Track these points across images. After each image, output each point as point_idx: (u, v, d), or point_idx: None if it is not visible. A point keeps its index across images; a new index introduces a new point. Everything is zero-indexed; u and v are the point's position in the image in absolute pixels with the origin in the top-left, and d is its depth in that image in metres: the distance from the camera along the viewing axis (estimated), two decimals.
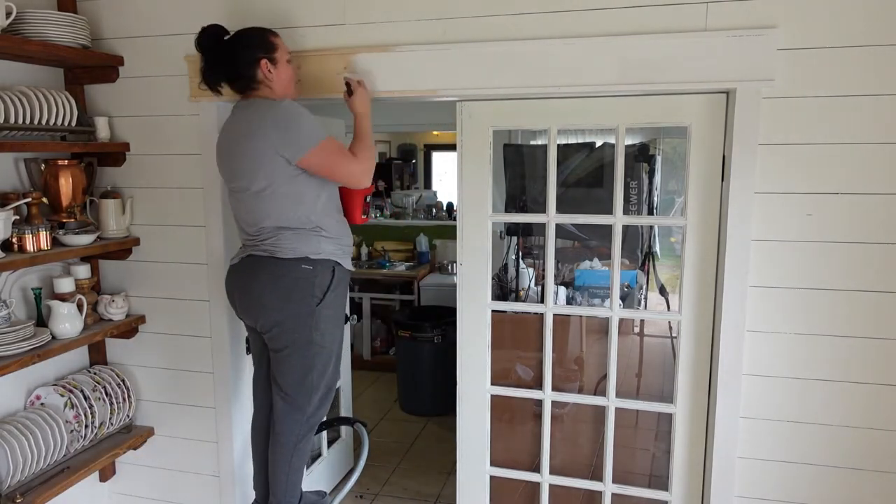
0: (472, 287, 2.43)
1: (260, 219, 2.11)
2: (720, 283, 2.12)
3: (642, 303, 3.10)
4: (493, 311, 2.44)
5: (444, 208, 6.41)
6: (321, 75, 2.29)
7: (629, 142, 2.28)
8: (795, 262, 2.04)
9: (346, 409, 3.41)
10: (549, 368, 2.40)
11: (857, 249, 1.99)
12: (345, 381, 3.38)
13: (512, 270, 3.08)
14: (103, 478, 2.82)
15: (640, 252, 3.05)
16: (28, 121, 2.21)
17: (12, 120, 2.15)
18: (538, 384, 2.46)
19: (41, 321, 2.37)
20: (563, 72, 2.09)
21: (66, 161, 2.45)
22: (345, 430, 3.44)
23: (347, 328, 3.08)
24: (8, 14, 2.13)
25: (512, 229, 3.08)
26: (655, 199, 2.99)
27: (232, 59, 2.08)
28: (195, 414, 2.70)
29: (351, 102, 2.19)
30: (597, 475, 2.45)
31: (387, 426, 4.19)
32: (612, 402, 2.36)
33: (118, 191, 2.63)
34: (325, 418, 2.41)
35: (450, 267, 5.29)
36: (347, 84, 2.19)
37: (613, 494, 2.41)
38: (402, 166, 8.74)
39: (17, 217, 2.20)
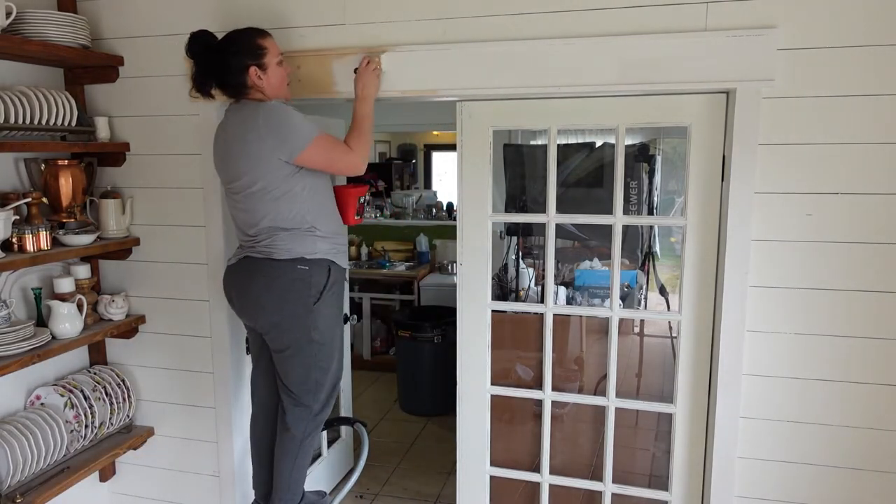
0: (472, 287, 2.43)
1: (258, 220, 2.12)
2: (720, 283, 2.12)
3: (642, 303, 3.10)
4: (493, 311, 2.44)
5: (444, 208, 6.41)
6: (321, 75, 2.29)
7: (629, 142, 2.28)
8: (795, 262, 2.04)
9: (346, 409, 3.41)
10: (549, 368, 2.40)
11: (857, 249, 1.99)
12: (345, 381, 3.37)
13: (512, 270, 3.08)
14: (103, 478, 2.82)
15: (640, 252, 3.05)
16: (28, 121, 2.21)
17: (12, 120, 2.15)
18: (538, 384, 2.46)
19: (41, 321, 2.37)
20: (563, 72, 2.09)
21: (66, 161, 2.45)
22: (345, 430, 3.44)
23: (347, 328, 3.09)
24: (8, 14, 2.13)
25: (512, 229, 3.08)
26: (655, 199, 2.99)
27: (221, 67, 2.09)
28: (195, 414, 2.70)
29: (354, 82, 2.18)
30: (597, 475, 2.45)
31: (387, 426, 4.19)
32: (612, 402, 2.36)
33: (118, 191, 2.63)
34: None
35: (450, 267, 5.29)
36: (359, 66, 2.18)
37: (613, 494, 2.41)
38: (402, 166, 8.75)
39: (17, 217, 2.20)
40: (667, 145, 3.12)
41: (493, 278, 2.46)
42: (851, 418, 2.07)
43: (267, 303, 2.13)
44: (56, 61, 2.46)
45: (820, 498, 2.14)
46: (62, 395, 2.42)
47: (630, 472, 2.46)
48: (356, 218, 2.33)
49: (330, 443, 3.23)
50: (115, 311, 2.59)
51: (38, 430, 2.26)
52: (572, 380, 2.58)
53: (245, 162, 2.06)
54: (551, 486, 2.49)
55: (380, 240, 5.68)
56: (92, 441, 2.52)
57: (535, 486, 2.52)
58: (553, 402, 2.44)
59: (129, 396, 2.68)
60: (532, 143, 3.16)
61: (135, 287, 2.70)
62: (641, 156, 2.76)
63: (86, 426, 2.46)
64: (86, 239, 2.40)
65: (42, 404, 2.43)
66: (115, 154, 2.60)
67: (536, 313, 2.47)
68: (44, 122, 2.27)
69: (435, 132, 8.72)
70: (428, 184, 9.29)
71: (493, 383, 2.49)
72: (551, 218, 2.31)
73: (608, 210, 2.25)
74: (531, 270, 3.06)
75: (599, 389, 2.47)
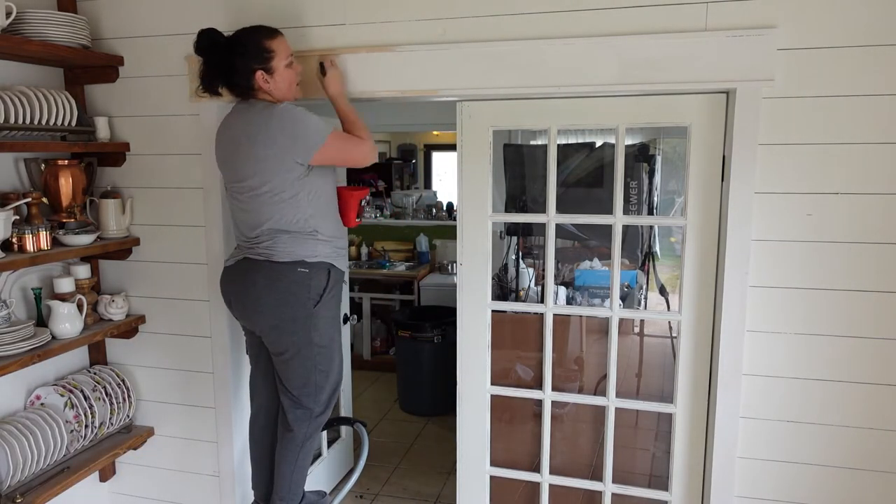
0: (472, 287, 2.43)
1: (261, 221, 2.11)
2: (720, 283, 2.12)
3: (642, 303, 3.10)
4: (493, 311, 2.44)
5: (444, 208, 6.41)
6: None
7: (629, 142, 2.28)
8: (795, 262, 2.04)
9: (346, 409, 3.41)
10: (549, 368, 2.40)
11: (857, 249, 1.99)
12: (345, 381, 3.37)
13: (512, 270, 3.08)
14: (103, 478, 2.82)
15: (640, 252, 3.05)
16: (28, 121, 2.21)
17: (12, 120, 2.15)
18: (538, 384, 2.46)
19: (41, 321, 2.37)
20: (563, 72, 2.09)
21: (66, 161, 2.44)
22: (345, 430, 3.44)
23: (347, 328, 3.09)
24: (8, 14, 2.12)
25: (512, 229, 3.08)
26: (655, 199, 2.99)
27: (228, 67, 2.07)
28: (195, 414, 2.70)
29: (325, 84, 2.19)
30: (597, 475, 2.45)
31: (387, 426, 4.18)
32: (612, 402, 2.36)
33: (118, 191, 2.63)
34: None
35: (450, 267, 5.29)
36: (321, 65, 2.19)
37: (613, 494, 2.41)
38: (402, 166, 8.75)
39: (17, 217, 2.20)
40: (667, 145, 3.12)
41: (493, 278, 2.46)
42: (851, 418, 2.07)
43: (266, 305, 2.13)
44: (56, 61, 2.46)
45: (820, 498, 2.14)
46: (62, 395, 2.42)
47: (630, 472, 2.46)
48: (356, 220, 2.33)
49: (330, 443, 3.23)
50: (115, 311, 2.59)
51: (38, 430, 2.26)
52: (572, 380, 2.58)
53: (254, 164, 2.05)
54: (551, 486, 2.49)
55: (380, 240, 5.69)
56: (92, 441, 2.52)
57: (535, 486, 2.52)
58: (553, 402, 2.44)
59: (129, 396, 2.68)
60: (532, 143, 3.16)
61: (135, 287, 2.70)
62: (641, 156, 2.76)
63: (86, 426, 2.46)
64: (86, 239, 2.40)
65: (42, 404, 2.43)
66: (115, 154, 2.60)
67: (536, 313, 2.48)
68: (44, 122, 2.27)
69: (435, 132, 8.72)
70: (428, 184, 9.28)
71: (493, 383, 2.49)
72: (551, 218, 2.31)
73: (608, 210, 2.25)
74: (531, 270, 3.07)
75: (599, 389, 2.47)
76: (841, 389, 2.06)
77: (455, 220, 2.44)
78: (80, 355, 2.70)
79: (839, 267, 2.01)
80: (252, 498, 2.52)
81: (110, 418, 2.58)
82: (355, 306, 5.15)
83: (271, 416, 2.38)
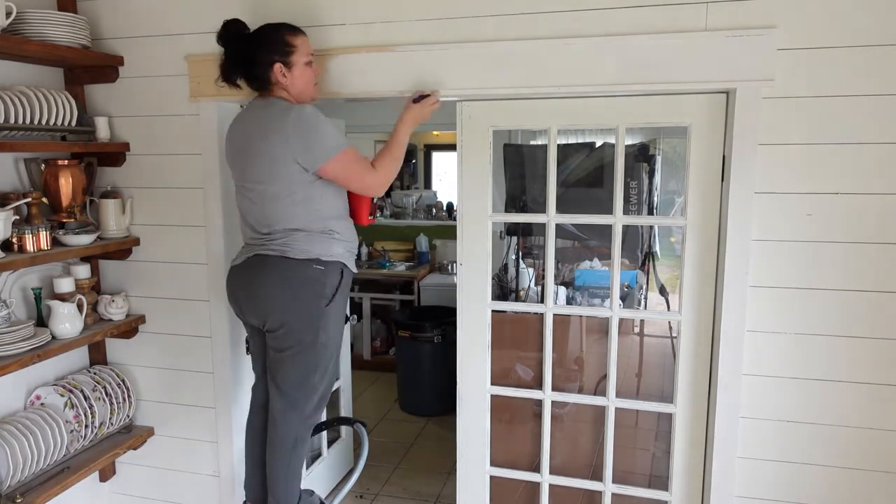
0: (472, 287, 2.42)
1: (273, 221, 2.09)
2: (720, 283, 2.12)
3: (642, 303, 3.10)
4: (493, 311, 2.44)
5: (444, 208, 6.41)
6: (320, 75, 2.29)
7: (629, 142, 2.28)
8: (795, 262, 2.04)
9: (346, 409, 3.41)
10: (549, 368, 2.40)
11: (857, 249, 1.99)
12: (345, 381, 3.38)
13: (512, 270, 3.09)
14: (103, 478, 2.82)
15: (640, 252, 3.05)
16: (28, 121, 2.21)
17: (12, 120, 2.15)
18: (538, 384, 2.46)
19: (41, 321, 2.37)
20: (563, 72, 2.09)
21: (66, 161, 2.44)
22: (345, 430, 3.44)
23: (347, 328, 3.09)
24: (8, 14, 2.13)
25: (512, 229, 3.08)
26: (655, 199, 2.99)
27: (248, 58, 2.07)
28: (195, 414, 2.70)
29: (409, 107, 2.16)
30: (597, 475, 2.45)
31: (387, 426, 4.18)
32: (612, 402, 2.36)
33: (118, 191, 2.63)
34: (323, 419, 2.41)
35: (450, 267, 5.29)
36: (421, 95, 2.17)
37: (613, 494, 2.41)
38: (402, 166, 8.73)
39: (17, 217, 2.20)
40: (667, 145, 3.12)
41: (493, 278, 2.46)
42: (851, 418, 2.07)
43: (279, 301, 2.09)
44: (56, 61, 2.46)
45: (820, 498, 2.14)
46: (62, 395, 2.42)
47: (630, 472, 2.46)
48: (369, 218, 2.32)
49: (330, 443, 3.23)
50: (115, 311, 2.59)
51: (38, 430, 2.26)
52: (572, 380, 2.58)
53: (267, 163, 2.03)
54: (551, 486, 2.49)
55: (380, 240, 5.68)
56: (92, 441, 2.52)
57: (535, 486, 2.52)
58: (553, 402, 2.44)
59: (129, 396, 2.68)
60: (532, 143, 3.16)
61: (135, 287, 2.70)
62: (641, 156, 2.76)
63: (86, 426, 2.46)
64: (86, 239, 2.40)
65: (42, 404, 2.43)
66: (115, 154, 2.60)
67: (536, 313, 2.47)
68: (44, 122, 2.27)
69: (435, 132, 8.70)
70: (428, 184, 9.27)
71: (493, 383, 2.49)
72: (551, 218, 2.31)
73: (608, 210, 2.25)
74: (531, 270, 3.07)
75: (599, 389, 2.47)
76: (841, 389, 2.06)
77: (455, 220, 2.44)
78: (80, 355, 2.70)
79: (839, 267, 2.01)
80: (243, 498, 2.51)
81: (110, 418, 2.58)
82: (355, 306, 5.15)
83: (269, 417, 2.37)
